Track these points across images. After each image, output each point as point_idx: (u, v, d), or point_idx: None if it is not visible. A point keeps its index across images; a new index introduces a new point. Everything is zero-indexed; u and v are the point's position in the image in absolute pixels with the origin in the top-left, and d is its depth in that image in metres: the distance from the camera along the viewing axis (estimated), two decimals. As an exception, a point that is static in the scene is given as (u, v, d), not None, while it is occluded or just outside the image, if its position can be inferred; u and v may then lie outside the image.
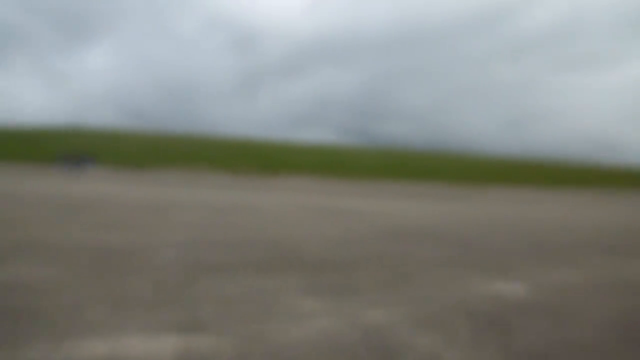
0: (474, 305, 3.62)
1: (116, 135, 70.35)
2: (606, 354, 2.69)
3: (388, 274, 4.74)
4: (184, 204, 13.45)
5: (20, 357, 2.22)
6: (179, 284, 3.83)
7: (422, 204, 20.83)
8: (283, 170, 59.46)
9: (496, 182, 61.41)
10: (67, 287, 3.50)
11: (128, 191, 19.63)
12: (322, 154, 71.73)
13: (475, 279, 4.70)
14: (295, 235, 7.50)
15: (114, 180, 34.04)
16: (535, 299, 3.95)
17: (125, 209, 10.57)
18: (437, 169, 68.82)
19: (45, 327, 2.64)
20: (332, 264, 5.11)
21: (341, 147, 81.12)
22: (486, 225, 11.15)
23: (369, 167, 65.06)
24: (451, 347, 2.68)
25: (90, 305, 3.08)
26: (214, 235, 6.96)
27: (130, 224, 7.77)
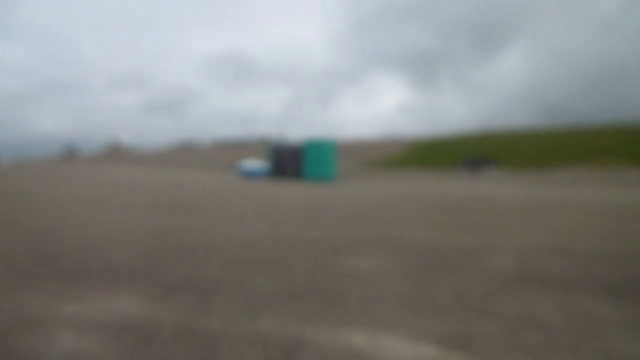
0: None
1: (520, 136, 70.42)
2: None
3: None
4: (563, 206, 12.09)
5: (302, 332, 2.70)
6: (485, 294, 3.56)
7: None
8: None
9: None
10: (381, 281, 3.92)
11: (510, 192, 19.43)
12: None
13: None
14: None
15: (507, 181, 34.36)
16: None
17: (497, 211, 10.57)
18: None
19: (337, 311, 3.08)
20: None
21: None
22: None
23: None
24: None
25: (386, 301, 3.35)
26: (573, 244, 5.96)
27: (489, 225, 7.72)
